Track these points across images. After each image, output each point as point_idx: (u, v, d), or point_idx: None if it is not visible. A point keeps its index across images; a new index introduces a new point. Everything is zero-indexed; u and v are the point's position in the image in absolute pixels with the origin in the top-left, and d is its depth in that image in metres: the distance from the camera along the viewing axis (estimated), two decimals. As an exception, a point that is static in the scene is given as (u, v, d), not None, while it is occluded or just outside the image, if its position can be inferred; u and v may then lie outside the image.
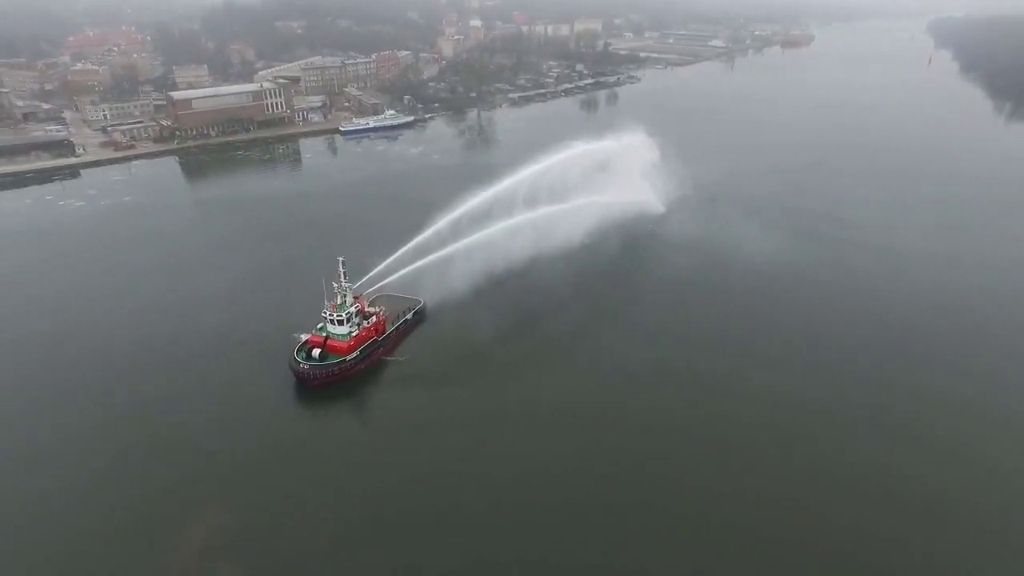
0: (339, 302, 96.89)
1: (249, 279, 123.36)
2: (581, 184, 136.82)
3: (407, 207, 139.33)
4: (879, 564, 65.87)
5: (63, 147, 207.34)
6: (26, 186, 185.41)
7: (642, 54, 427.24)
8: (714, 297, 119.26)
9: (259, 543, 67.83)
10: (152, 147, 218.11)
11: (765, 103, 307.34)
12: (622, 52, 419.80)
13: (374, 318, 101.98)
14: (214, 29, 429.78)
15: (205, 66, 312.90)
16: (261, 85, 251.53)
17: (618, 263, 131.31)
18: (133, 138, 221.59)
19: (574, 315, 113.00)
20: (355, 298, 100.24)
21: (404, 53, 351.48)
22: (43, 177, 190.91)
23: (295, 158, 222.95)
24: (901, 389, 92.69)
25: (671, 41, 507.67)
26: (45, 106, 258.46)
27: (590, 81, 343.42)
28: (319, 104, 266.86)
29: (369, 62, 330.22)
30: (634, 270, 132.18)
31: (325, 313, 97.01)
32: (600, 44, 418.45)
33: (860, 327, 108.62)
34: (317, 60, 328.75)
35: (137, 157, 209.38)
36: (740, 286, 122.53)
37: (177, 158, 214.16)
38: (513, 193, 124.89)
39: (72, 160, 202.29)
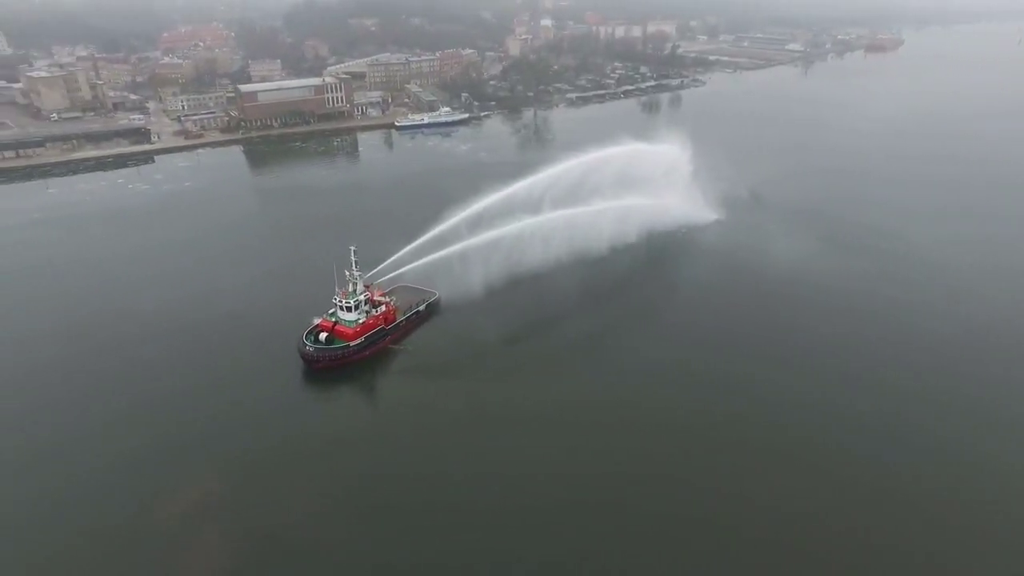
0: (349, 289, 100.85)
1: (281, 266, 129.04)
2: (618, 187, 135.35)
3: (440, 201, 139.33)
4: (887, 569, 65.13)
5: (140, 134, 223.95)
6: (106, 169, 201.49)
7: (711, 57, 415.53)
8: (741, 305, 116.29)
9: (243, 512, 71.76)
10: (219, 136, 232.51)
11: (827, 107, 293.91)
12: (691, 55, 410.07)
13: (383, 307, 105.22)
14: (295, 26, 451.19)
15: (278, 61, 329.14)
16: (323, 80, 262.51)
17: (646, 267, 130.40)
18: (203, 127, 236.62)
19: (591, 317, 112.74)
20: (366, 287, 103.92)
21: (467, 51, 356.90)
22: (120, 162, 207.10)
23: (348, 151, 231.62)
24: (927, 402, 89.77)
25: (746, 44, 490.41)
26: (133, 96, 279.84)
27: (652, 83, 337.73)
28: (377, 99, 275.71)
29: (433, 59, 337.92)
30: (662, 275, 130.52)
31: (336, 299, 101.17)
32: (668, 46, 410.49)
33: (891, 339, 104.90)
34: (383, 57, 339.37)
35: (204, 145, 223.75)
36: (769, 293, 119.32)
37: (241, 147, 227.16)
38: (543, 191, 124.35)
39: (147, 147, 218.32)
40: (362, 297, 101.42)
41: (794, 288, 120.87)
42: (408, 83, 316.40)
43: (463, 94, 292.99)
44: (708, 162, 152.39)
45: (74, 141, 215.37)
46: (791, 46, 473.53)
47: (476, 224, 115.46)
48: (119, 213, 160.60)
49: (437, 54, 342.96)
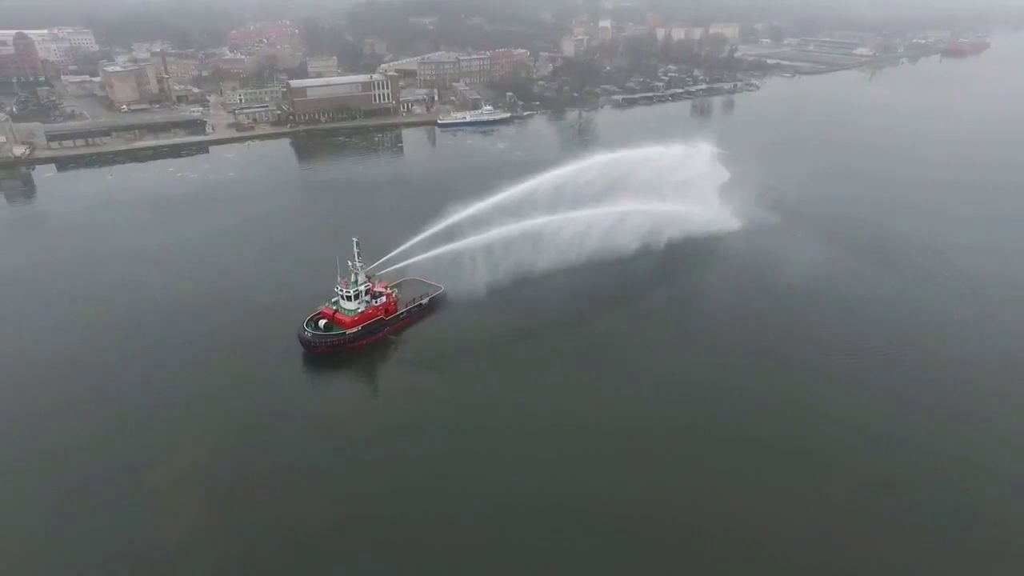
0: (351, 279, 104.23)
1: (299, 257, 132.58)
2: (640, 189, 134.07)
3: (456, 197, 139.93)
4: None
5: (196, 125, 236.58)
6: (161, 158, 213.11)
7: (771, 61, 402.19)
8: (759, 312, 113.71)
9: (225, 482, 75.89)
10: (268, 129, 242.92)
11: (876, 113, 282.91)
12: (749, 58, 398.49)
13: (383, 298, 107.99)
14: (358, 24, 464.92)
15: (335, 58, 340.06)
16: (371, 77, 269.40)
17: (663, 272, 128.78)
18: (255, 120, 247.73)
19: (598, 320, 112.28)
20: (367, 278, 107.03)
21: (519, 51, 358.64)
22: (174, 151, 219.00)
23: (389, 147, 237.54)
24: (955, 416, 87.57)
25: (811, 48, 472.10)
26: (195, 90, 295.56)
27: (703, 87, 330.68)
28: (422, 97, 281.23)
29: (483, 58, 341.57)
30: (678, 281, 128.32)
31: (338, 288, 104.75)
32: (726, 49, 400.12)
33: (918, 352, 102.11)
34: (434, 55, 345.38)
35: (253, 138, 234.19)
36: (790, 300, 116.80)
37: (288, 140, 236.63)
38: (556, 191, 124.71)
39: (201, 138, 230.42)
40: (363, 287, 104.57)
41: (819, 295, 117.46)
42: (457, 81, 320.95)
43: (508, 93, 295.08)
44: (737, 168, 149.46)
45: (136, 131, 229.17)
46: (859, 50, 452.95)
47: (487, 221, 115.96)
48: (163, 201, 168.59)
49: (487, 53, 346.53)
